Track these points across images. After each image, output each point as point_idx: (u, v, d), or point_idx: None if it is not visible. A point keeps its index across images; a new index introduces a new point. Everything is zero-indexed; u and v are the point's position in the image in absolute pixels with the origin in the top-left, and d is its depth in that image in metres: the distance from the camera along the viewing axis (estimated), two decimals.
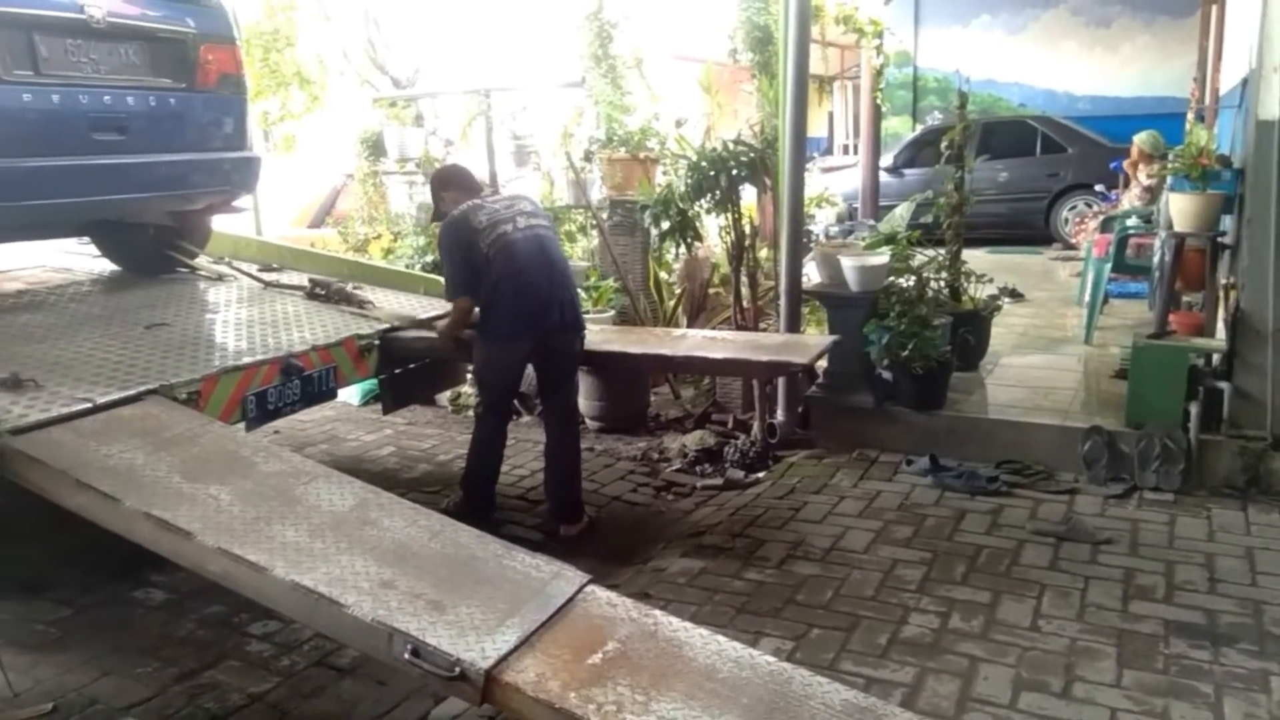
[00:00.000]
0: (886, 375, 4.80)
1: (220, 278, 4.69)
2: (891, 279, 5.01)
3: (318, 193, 8.93)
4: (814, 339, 4.52)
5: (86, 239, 4.86)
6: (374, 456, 5.03)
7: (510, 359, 3.92)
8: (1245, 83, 4.59)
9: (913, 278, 5.02)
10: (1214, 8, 9.66)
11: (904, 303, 4.77)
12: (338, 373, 3.88)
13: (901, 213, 5.95)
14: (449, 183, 4.13)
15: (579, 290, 3.98)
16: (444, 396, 5.70)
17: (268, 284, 4.58)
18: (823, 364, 4.88)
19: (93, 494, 2.50)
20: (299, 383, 3.66)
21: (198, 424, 3.04)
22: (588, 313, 5.61)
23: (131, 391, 3.06)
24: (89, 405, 2.92)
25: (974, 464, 4.44)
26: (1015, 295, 7.72)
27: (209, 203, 4.45)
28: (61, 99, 3.52)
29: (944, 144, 5.45)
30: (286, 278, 4.68)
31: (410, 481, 4.64)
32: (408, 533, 2.59)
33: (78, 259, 4.91)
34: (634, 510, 4.32)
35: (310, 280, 4.53)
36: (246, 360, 3.49)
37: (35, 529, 2.80)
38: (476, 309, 3.87)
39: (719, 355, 4.09)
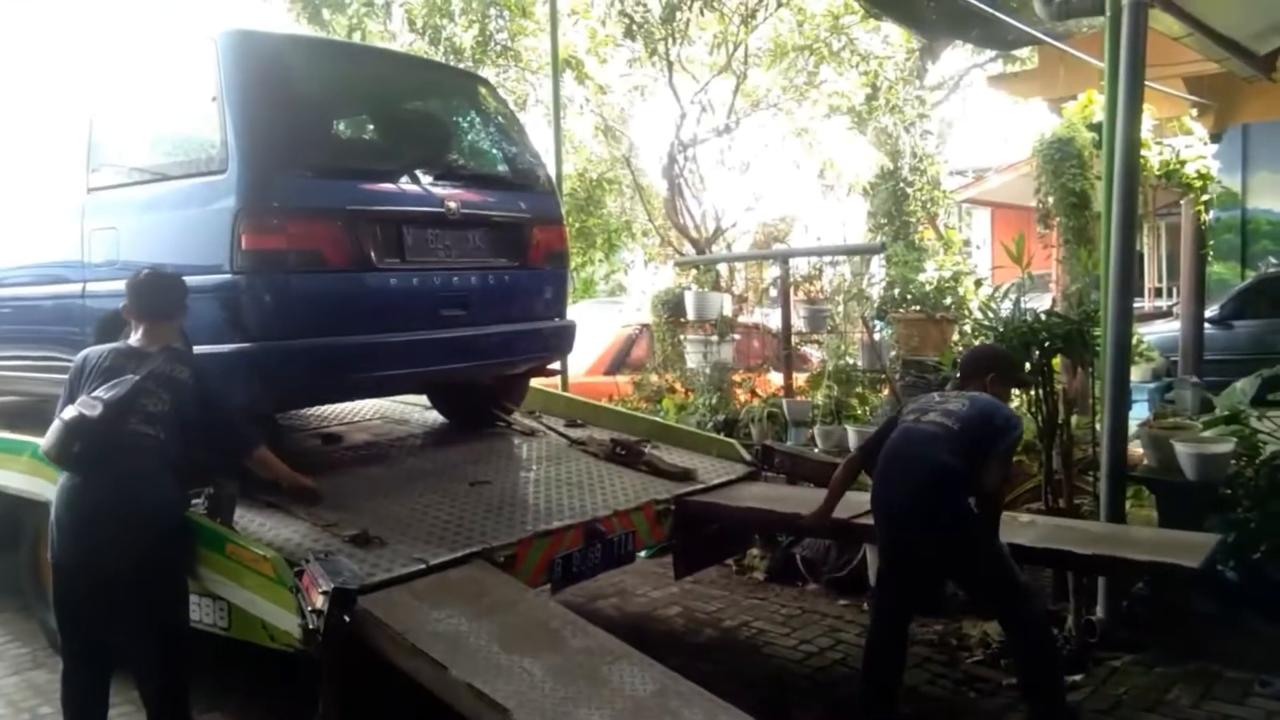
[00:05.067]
0: (1232, 575, 4.23)
1: (532, 432, 5.03)
2: (1234, 464, 4.46)
3: (614, 339, 9.43)
4: (1199, 537, 3.88)
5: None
6: (661, 615, 5.07)
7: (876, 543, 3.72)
8: None
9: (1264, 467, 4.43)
10: None
11: (1253, 495, 4.21)
12: (635, 537, 4.00)
13: (1244, 386, 5.33)
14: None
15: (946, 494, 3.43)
16: None
17: (573, 441, 4.85)
18: None
19: (425, 660, 2.69)
20: (600, 547, 3.81)
21: (514, 591, 3.23)
22: None
23: (459, 553, 3.32)
24: (423, 566, 3.19)
25: None
26: None
27: (529, 367, 4.83)
28: (419, 281, 4.00)
29: None
30: (590, 435, 4.92)
31: (697, 648, 4.60)
32: None
33: (411, 410, 5.46)
34: (932, 706, 4.01)
35: (612, 440, 4.75)
36: (556, 524, 3.69)
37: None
38: None
39: (1087, 550, 3.64)
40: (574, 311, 10.26)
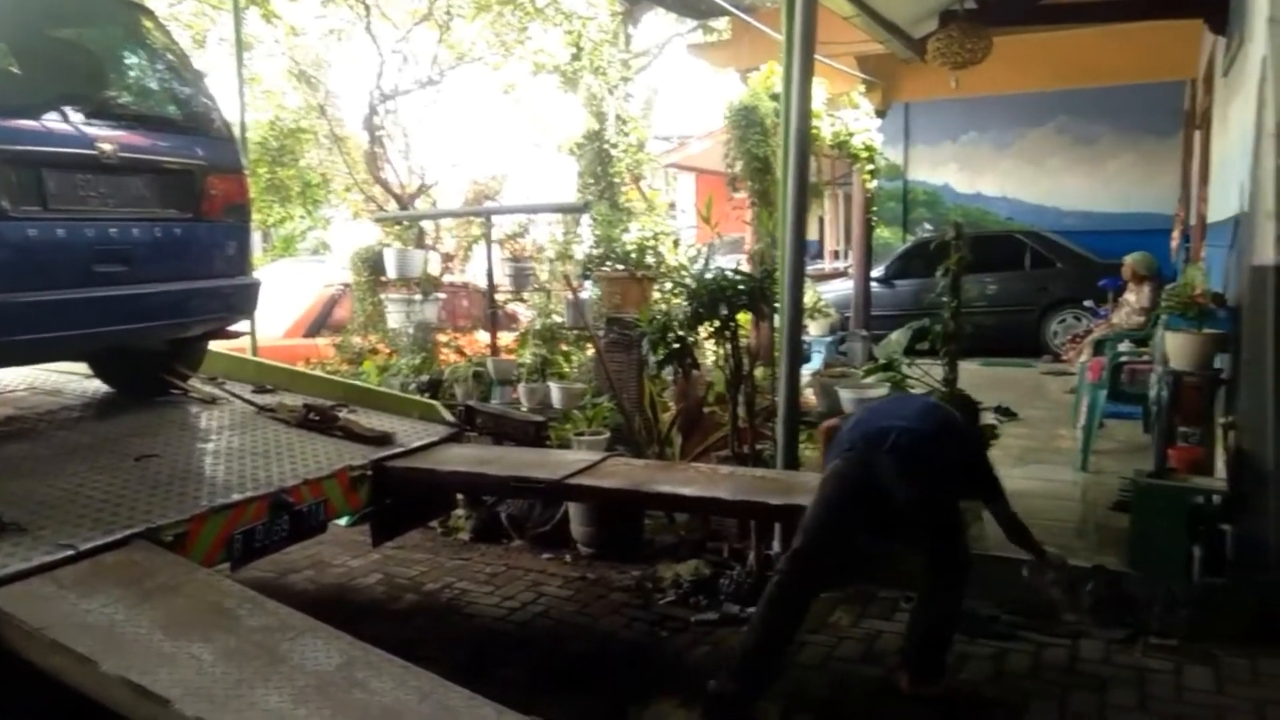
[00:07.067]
0: None
1: (213, 400, 4.65)
2: None
3: (314, 299, 8.95)
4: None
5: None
6: (360, 585, 4.91)
7: (827, 483, 3.60)
8: (1237, 223, 4.67)
9: None
10: (1196, 133, 9.95)
11: None
12: (328, 506, 3.82)
13: (898, 338, 5.98)
14: None
15: None
16: None
17: (261, 409, 4.54)
18: None
19: (70, 656, 2.40)
20: (288, 518, 3.59)
21: (182, 571, 2.96)
22: (582, 433, 5.61)
23: (116, 536, 2.99)
24: (71, 553, 2.85)
25: (975, 603, 4.34)
26: (1009, 414, 7.69)
27: (206, 329, 4.45)
28: (67, 233, 3.54)
29: (939, 272, 5.50)
30: (280, 401, 4.64)
31: (397, 615, 4.51)
32: (396, 695, 2.49)
33: (69, 380, 4.87)
34: (629, 649, 4.20)
35: (304, 405, 4.50)
36: (236, 497, 3.43)
37: None
38: None
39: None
40: (273, 270, 9.61)
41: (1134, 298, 8.28)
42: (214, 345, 4.96)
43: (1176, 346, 4.59)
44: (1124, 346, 6.74)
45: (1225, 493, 4.22)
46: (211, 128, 4.40)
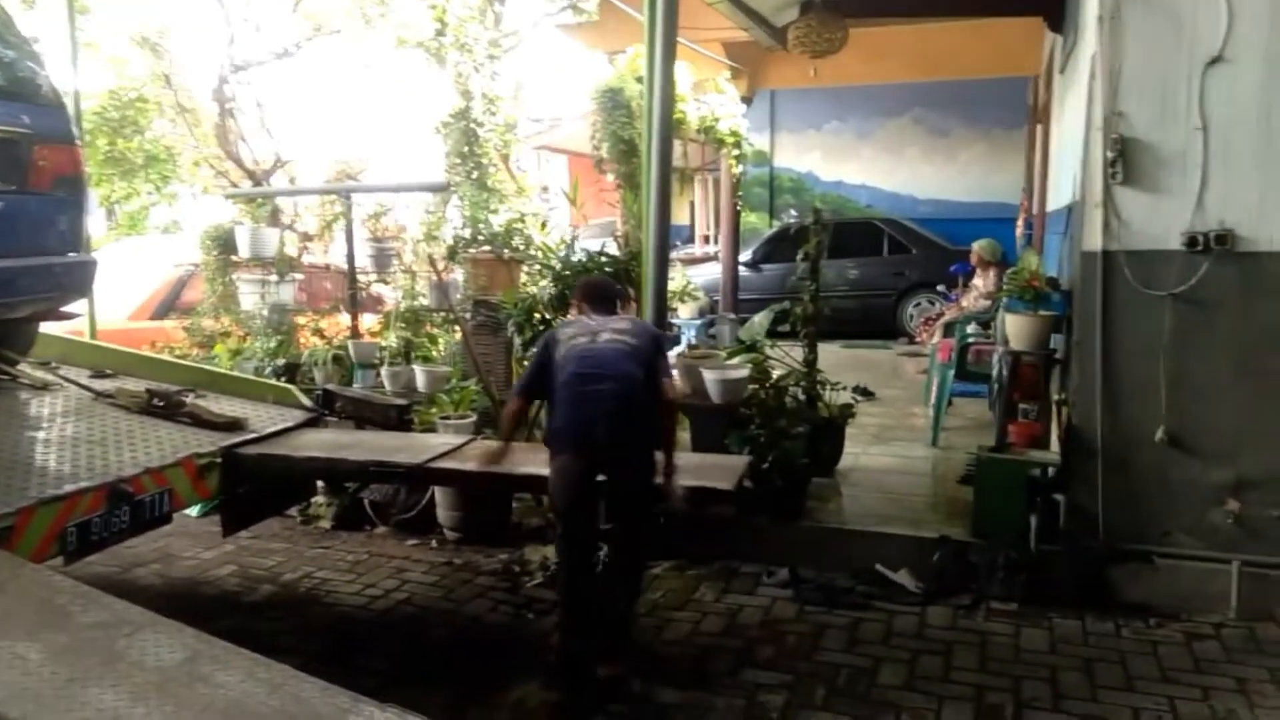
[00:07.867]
0: (748, 484, 4.85)
1: (45, 386, 4.36)
2: (753, 387, 5.11)
3: (162, 281, 8.49)
4: (732, 460, 4.43)
5: None
6: (212, 577, 4.70)
7: (562, 475, 3.56)
8: (1070, 210, 4.96)
9: (772, 389, 5.13)
10: (1039, 126, 10.52)
11: (764, 414, 4.85)
12: (173, 495, 3.63)
13: (760, 320, 6.11)
14: (579, 292, 4.02)
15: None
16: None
17: (99, 394, 4.28)
18: None
19: None
20: (128, 509, 3.40)
21: (6, 567, 2.77)
22: (448, 417, 5.51)
23: None
24: None
25: (833, 575, 4.51)
26: (867, 394, 7.99)
27: (35, 310, 4.16)
28: None
29: (800, 256, 5.65)
30: (120, 386, 4.39)
31: (252, 606, 4.35)
32: (244, 688, 2.39)
33: None
34: (494, 632, 4.17)
35: (148, 390, 4.27)
36: (69, 488, 3.22)
37: None
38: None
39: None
40: (117, 249, 9.07)
41: (981, 282, 8.71)
42: (48, 328, 4.66)
43: (1015, 328, 4.85)
44: (971, 329, 7.08)
45: (1058, 465, 4.50)
46: (39, 94, 4.11)
